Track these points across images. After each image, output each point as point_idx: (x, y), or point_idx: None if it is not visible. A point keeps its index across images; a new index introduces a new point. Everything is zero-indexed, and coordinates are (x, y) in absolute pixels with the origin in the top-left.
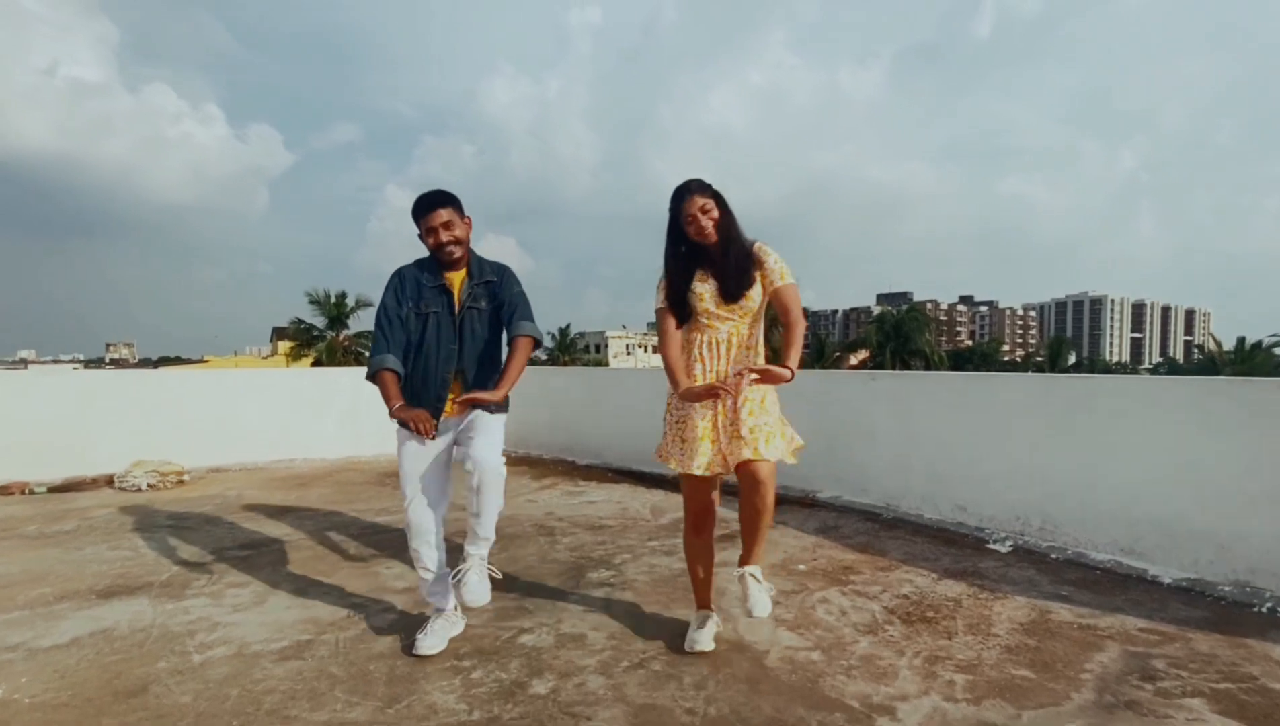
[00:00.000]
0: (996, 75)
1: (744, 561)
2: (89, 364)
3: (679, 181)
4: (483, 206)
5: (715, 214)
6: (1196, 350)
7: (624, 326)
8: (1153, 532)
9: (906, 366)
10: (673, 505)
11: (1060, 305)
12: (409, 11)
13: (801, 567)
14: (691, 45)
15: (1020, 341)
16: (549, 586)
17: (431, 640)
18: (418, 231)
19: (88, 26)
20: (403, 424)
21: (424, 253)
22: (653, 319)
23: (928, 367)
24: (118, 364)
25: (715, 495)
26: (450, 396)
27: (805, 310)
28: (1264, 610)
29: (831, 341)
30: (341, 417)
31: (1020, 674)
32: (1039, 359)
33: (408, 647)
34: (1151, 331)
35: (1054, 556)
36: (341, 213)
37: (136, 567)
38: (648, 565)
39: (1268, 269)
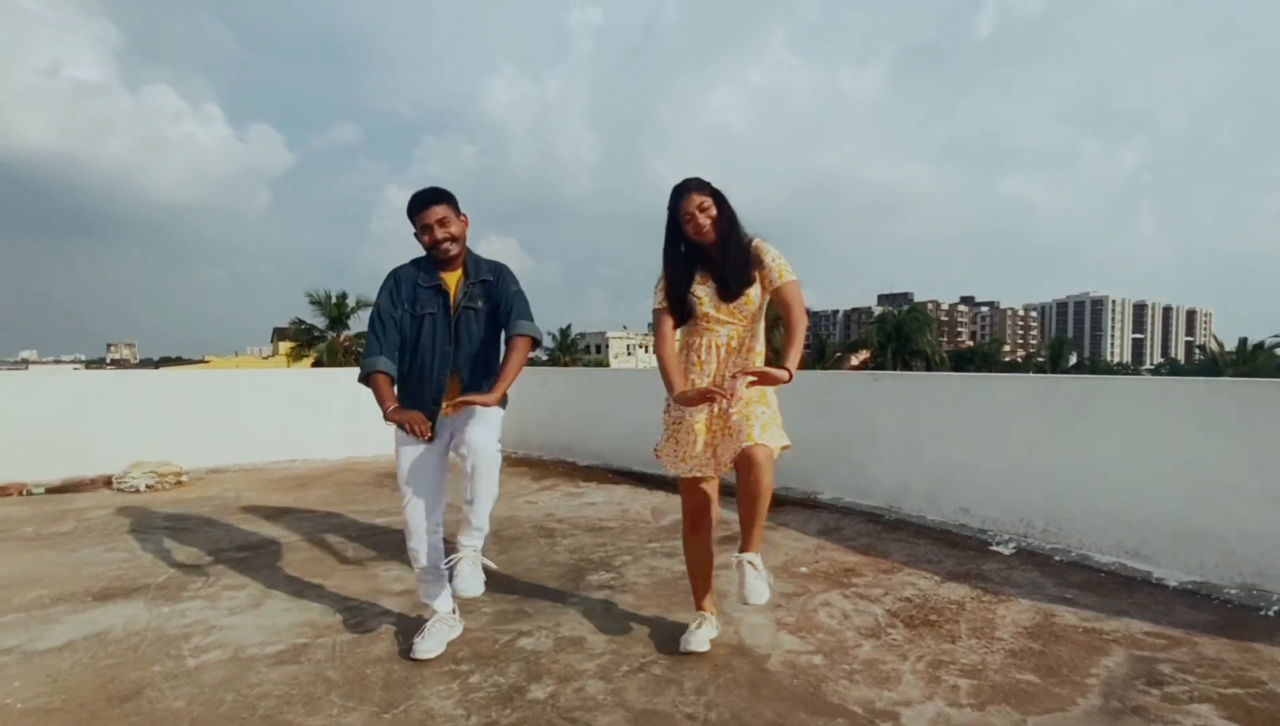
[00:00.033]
0: (997, 75)
1: (742, 548)
2: (90, 364)
3: (678, 181)
4: (483, 207)
5: (713, 212)
6: (1198, 351)
7: (625, 327)
8: (1157, 534)
9: (908, 367)
10: (673, 506)
11: (1061, 306)
12: (409, 12)
13: (803, 570)
14: (692, 45)
15: (1021, 342)
16: (548, 588)
17: (429, 643)
18: (413, 230)
19: (88, 27)
20: (400, 426)
21: (421, 252)
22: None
23: (929, 368)
24: (119, 364)
25: (713, 495)
26: (446, 400)
27: (807, 309)
28: (1271, 613)
29: (832, 342)
30: (341, 418)
31: (1025, 678)
32: (1040, 359)
33: (405, 651)
34: (1153, 332)
35: (1058, 558)
36: (342, 213)
37: (133, 570)
38: (648, 567)
39: (1268, 269)
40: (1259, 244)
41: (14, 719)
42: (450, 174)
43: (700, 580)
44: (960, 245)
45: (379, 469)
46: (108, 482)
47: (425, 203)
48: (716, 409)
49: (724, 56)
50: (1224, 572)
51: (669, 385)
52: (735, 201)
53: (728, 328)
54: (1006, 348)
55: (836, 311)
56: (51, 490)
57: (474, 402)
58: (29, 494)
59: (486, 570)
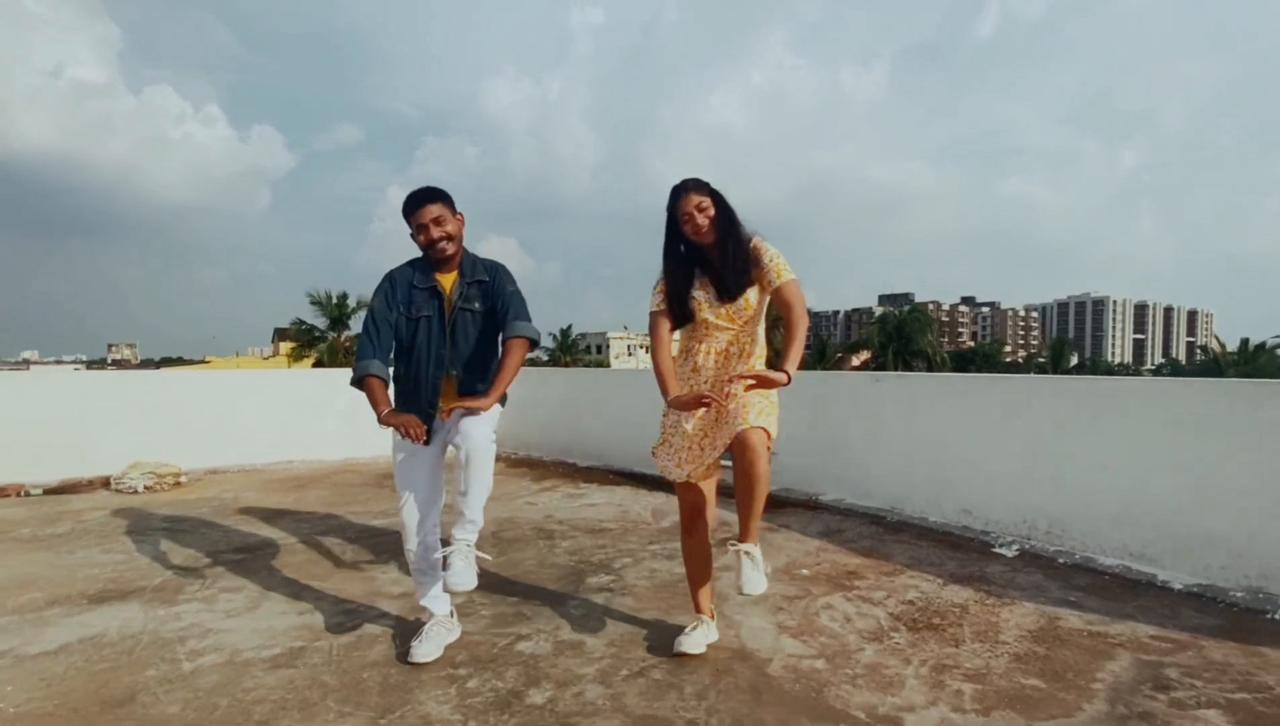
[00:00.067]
0: (997, 75)
1: (740, 539)
2: (91, 365)
3: (678, 181)
4: (484, 207)
5: (711, 212)
6: (1200, 351)
7: (625, 327)
8: (1162, 537)
9: (909, 367)
10: (674, 508)
11: (1062, 306)
12: (410, 12)
13: (805, 572)
14: (692, 45)
15: (1022, 342)
16: (548, 591)
17: (427, 647)
18: (409, 230)
19: (90, 28)
20: (397, 429)
21: (418, 253)
22: None
23: (930, 369)
24: (120, 365)
25: (710, 497)
26: (442, 403)
27: (808, 309)
28: (1277, 617)
29: (833, 342)
30: (341, 419)
31: (1030, 683)
32: (1041, 360)
33: (402, 655)
34: (1154, 332)
35: (1061, 561)
36: (343, 213)
37: (129, 572)
38: (648, 570)
39: (1269, 269)
40: (1259, 244)
41: (6, 723)
42: (451, 174)
43: (698, 582)
44: (961, 245)
45: (378, 470)
46: (106, 483)
47: (420, 202)
48: (709, 413)
49: (725, 57)
50: (1230, 575)
51: (664, 389)
52: (735, 202)
53: (727, 333)
54: (1007, 348)
55: (837, 312)
56: (49, 491)
57: (469, 408)
58: (26, 495)
59: (482, 566)
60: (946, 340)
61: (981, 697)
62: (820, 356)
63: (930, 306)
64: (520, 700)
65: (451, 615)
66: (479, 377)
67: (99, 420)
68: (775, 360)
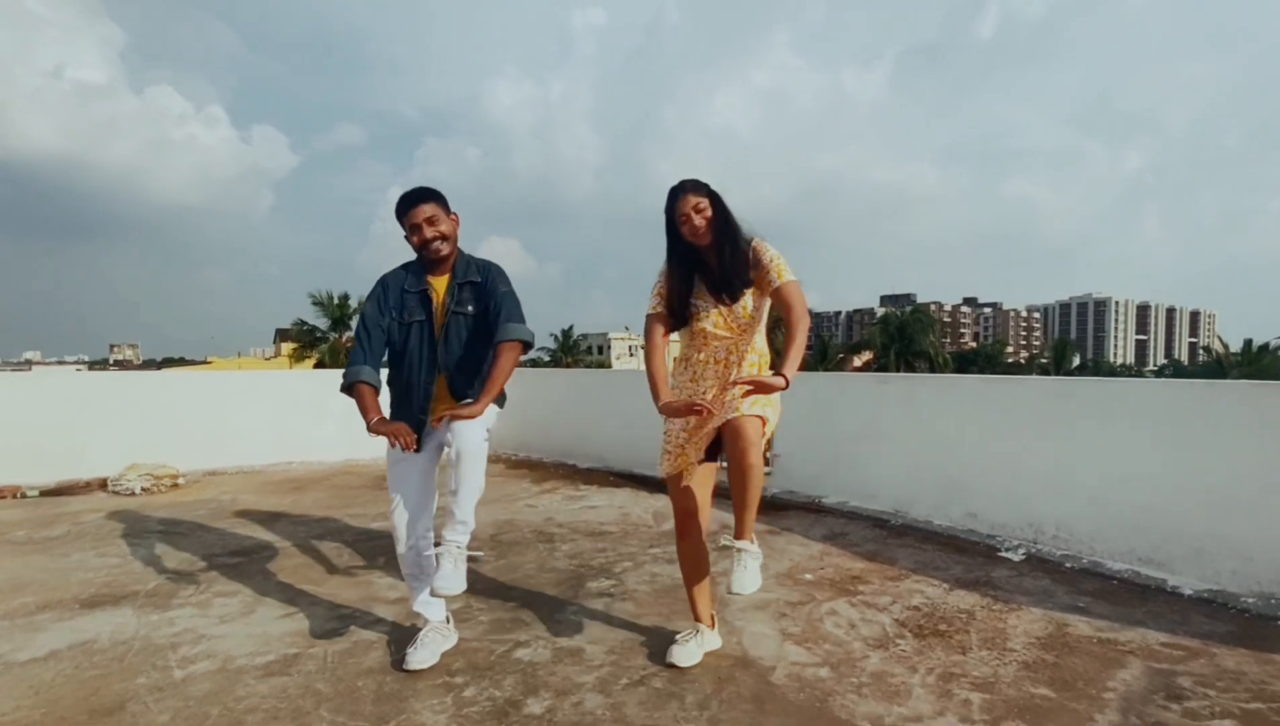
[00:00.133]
0: (999, 77)
1: (735, 535)
2: (93, 365)
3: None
4: (486, 209)
5: (709, 213)
6: (1202, 352)
7: (627, 328)
8: (1171, 541)
9: (911, 368)
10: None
11: (1064, 307)
12: (411, 14)
13: (808, 577)
14: (695, 47)
15: (1024, 343)
16: (547, 596)
17: (423, 654)
18: (403, 232)
19: (93, 29)
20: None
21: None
22: None
23: (932, 369)
24: (121, 365)
25: (704, 500)
26: (434, 408)
27: (809, 310)
28: None
29: (835, 343)
30: (340, 420)
31: (1040, 692)
32: (1043, 361)
33: (398, 662)
34: (1156, 333)
35: (1069, 565)
36: (344, 214)
37: (123, 575)
38: (649, 574)
39: (1272, 270)
40: (1263, 245)
41: None
42: (453, 176)
43: (694, 587)
44: (963, 246)
45: (377, 471)
46: (103, 485)
47: (412, 201)
48: (701, 418)
49: (727, 58)
50: (1241, 581)
51: (655, 394)
52: (738, 203)
53: (726, 341)
54: (1009, 349)
55: (839, 312)
56: (46, 493)
57: (459, 416)
58: (23, 496)
59: (479, 569)
60: (949, 341)
61: (990, 707)
62: (822, 357)
63: (932, 307)
64: (518, 710)
65: (448, 620)
66: (473, 381)
67: (97, 421)
68: (776, 361)
